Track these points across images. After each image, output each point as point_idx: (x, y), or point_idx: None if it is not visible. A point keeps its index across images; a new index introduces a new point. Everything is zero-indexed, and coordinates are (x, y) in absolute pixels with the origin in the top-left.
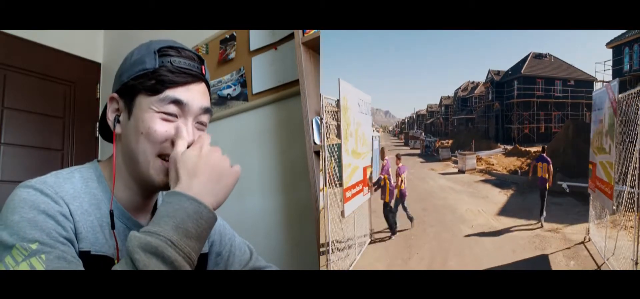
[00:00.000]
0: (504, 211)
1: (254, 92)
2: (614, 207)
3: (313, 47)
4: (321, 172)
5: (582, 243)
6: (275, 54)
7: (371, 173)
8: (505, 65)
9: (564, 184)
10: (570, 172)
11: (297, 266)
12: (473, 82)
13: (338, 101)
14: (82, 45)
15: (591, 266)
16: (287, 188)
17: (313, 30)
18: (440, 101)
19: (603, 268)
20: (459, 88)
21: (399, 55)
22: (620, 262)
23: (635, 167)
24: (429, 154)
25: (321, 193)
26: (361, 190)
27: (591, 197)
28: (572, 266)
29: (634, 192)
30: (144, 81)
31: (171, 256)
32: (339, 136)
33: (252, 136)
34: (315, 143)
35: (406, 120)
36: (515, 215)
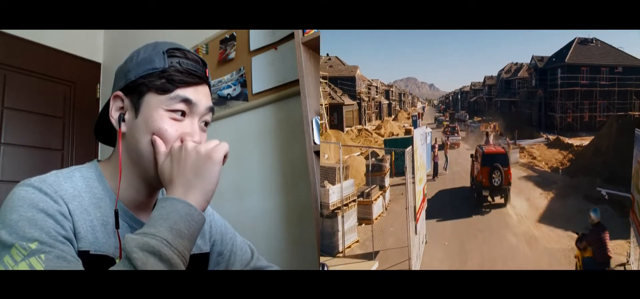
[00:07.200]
0: (544, 218)
1: (254, 92)
2: None
3: (313, 47)
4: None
5: (624, 264)
6: (275, 54)
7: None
8: (549, 49)
9: (603, 191)
10: (610, 174)
11: (297, 266)
12: (516, 64)
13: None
14: (82, 45)
15: None
16: (287, 188)
17: (313, 30)
18: (484, 80)
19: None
20: (503, 69)
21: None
22: None
23: None
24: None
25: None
26: (423, 208)
27: (632, 227)
28: None
29: None
30: (153, 80)
31: (168, 254)
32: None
33: (252, 136)
34: (315, 143)
35: (451, 96)
36: (554, 223)
